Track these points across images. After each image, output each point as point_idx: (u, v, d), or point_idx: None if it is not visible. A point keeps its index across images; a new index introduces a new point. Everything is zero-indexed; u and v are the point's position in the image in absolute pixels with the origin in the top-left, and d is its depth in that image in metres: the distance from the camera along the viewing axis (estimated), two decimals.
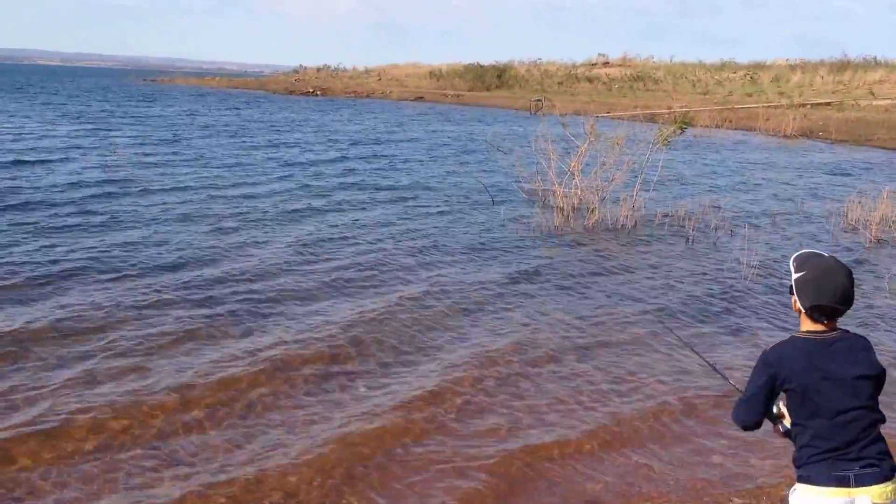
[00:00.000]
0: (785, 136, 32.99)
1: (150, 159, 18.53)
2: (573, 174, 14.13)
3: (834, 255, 2.89)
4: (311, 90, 60.99)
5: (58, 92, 50.94)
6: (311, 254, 10.37)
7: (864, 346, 2.94)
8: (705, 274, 10.40)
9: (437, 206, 14.46)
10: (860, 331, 7.93)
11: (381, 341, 7.21)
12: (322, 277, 9.22)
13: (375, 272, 9.62)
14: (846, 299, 2.86)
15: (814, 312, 2.88)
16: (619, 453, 5.39)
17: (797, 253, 3.01)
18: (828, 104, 40.88)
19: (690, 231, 12.70)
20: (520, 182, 15.42)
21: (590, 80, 58.02)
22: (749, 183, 19.22)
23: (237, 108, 40.20)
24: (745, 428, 3.07)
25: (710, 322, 8.38)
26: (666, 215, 13.76)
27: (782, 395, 2.95)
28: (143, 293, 8.17)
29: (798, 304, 2.93)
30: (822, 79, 49.44)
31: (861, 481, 2.78)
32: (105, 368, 6.24)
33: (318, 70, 77.58)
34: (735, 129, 36.01)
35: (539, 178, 14.81)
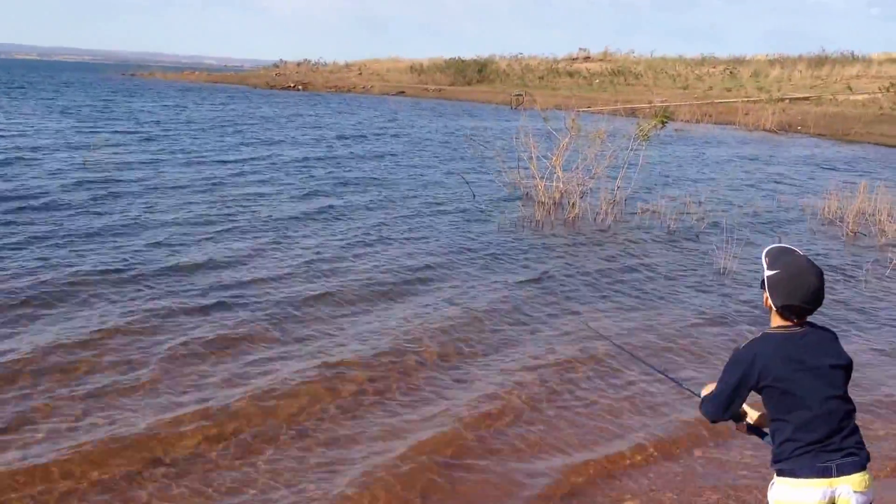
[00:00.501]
0: (764, 131, 33.27)
1: (146, 157, 18.13)
2: (554, 168, 14.17)
3: (806, 251, 2.94)
4: (291, 85, 60.64)
5: (37, 86, 50.04)
6: (301, 256, 10.32)
7: (832, 337, 2.99)
8: (685, 267, 10.48)
9: (418, 201, 14.43)
10: (837, 324, 8.11)
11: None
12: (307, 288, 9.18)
13: (361, 269, 9.59)
14: (817, 299, 2.90)
15: (785, 311, 2.92)
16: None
17: (769, 247, 3.02)
18: (806, 99, 41.22)
19: (671, 224, 12.78)
20: (501, 176, 15.44)
21: (570, 74, 58.09)
22: (729, 177, 19.34)
23: (224, 104, 39.70)
24: (714, 421, 3.11)
25: (690, 314, 8.43)
26: (647, 209, 13.85)
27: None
28: (139, 296, 8.10)
29: (769, 301, 2.95)
30: (800, 73, 49.83)
31: (842, 471, 2.82)
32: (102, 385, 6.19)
33: (299, 64, 77.02)
34: (715, 123, 36.24)
35: (520, 172, 14.84)
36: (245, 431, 5.28)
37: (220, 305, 7.80)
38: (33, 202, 12.10)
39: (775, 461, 2.94)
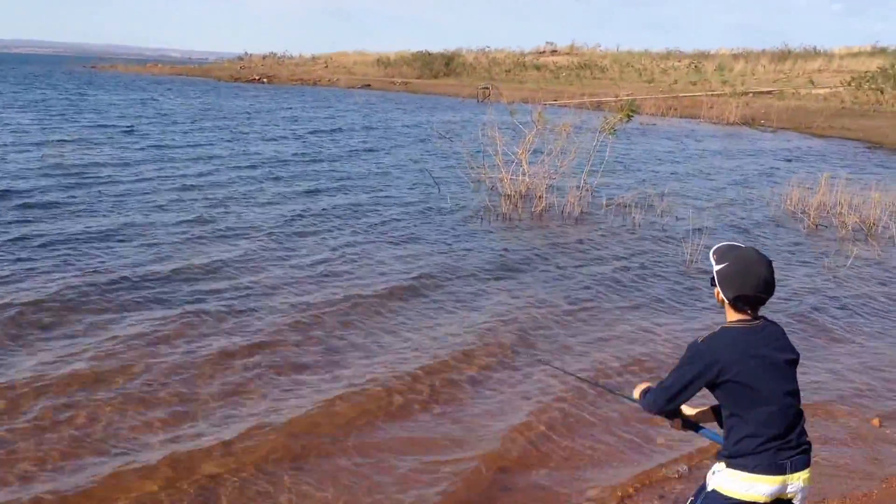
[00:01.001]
0: (728, 124, 33.61)
1: (123, 153, 17.69)
2: (521, 162, 14.15)
3: (768, 243, 2.95)
4: (256, 77, 60.03)
5: (5, 79, 48.58)
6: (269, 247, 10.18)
7: (784, 331, 3.01)
8: (650, 259, 10.51)
9: (385, 194, 14.33)
10: (799, 315, 8.18)
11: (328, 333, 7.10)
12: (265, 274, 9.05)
13: (325, 263, 9.47)
14: (768, 288, 2.91)
15: (738, 302, 2.91)
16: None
17: (716, 246, 3.02)
18: (769, 92, 41.78)
19: (637, 217, 12.82)
20: (468, 170, 15.38)
21: (537, 67, 58.28)
22: (694, 170, 19.51)
23: (196, 97, 38.94)
24: (655, 413, 3.08)
25: (653, 306, 8.46)
26: (612, 202, 13.88)
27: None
28: (98, 280, 7.91)
29: (721, 296, 2.94)
30: (763, 68, 50.53)
31: (796, 467, 2.84)
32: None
33: (264, 57, 76.34)
34: (680, 116, 36.56)
35: (487, 165, 14.79)
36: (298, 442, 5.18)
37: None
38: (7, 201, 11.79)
39: (729, 456, 2.88)
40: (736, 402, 2.88)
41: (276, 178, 15.38)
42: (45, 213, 11.13)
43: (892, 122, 30.76)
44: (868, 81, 38.36)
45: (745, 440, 2.85)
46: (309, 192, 14.06)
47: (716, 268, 2.94)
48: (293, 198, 13.49)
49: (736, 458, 2.86)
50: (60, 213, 11.27)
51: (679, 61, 56.28)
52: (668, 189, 15.22)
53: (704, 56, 57.66)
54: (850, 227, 12.58)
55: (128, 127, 23.15)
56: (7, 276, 8.07)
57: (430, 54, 62.86)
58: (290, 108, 34.16)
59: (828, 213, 13.51)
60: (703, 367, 2.88)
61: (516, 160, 14.18)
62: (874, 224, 12.70)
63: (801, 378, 6.25)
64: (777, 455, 2.83)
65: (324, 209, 12.64)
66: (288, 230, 11.01)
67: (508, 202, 13.42)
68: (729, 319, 2.96)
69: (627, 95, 38.05)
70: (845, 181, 14.01)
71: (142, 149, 18.58)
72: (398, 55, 65.87)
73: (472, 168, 15.04)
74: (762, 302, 2.93)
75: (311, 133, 24.32)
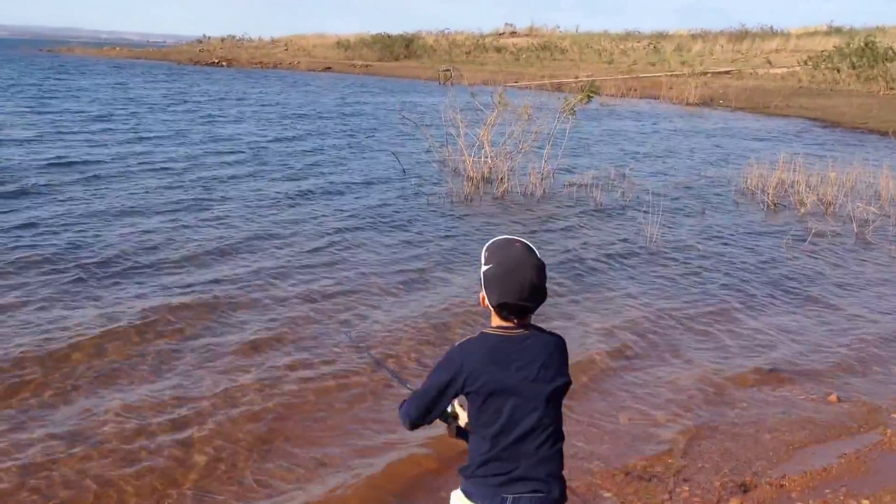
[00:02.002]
0: (687, 104, 33.87)
1: (100, 137, 17.23)
2: (483, 144, 14.07)
3: (526, 243, 2.56)
4: (216, 61, 59.01)
5: None
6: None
7: (557, 345, 2.61)
8: (612, 238, 10.53)
9: (347, 176, 14.16)
10: (762, 294, 8.25)
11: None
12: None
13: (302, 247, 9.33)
14: (535, 295, 2.51)
15: (501, 310, 2.54)
16: None
17: (491, 240, 2.64)
18: (727, 73, 42.19)
19: (598, 198, 12.84)
20: (430, 152, 15.28)
21: (498, 49, 58.18)
22: (654, 150, 19.61)
23: (164, 82, 37.94)
24: (412, 426, 2.68)
25: (612, 286, 8.47)
26: (573, 183, 13.89)
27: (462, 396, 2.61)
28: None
29: (486, 301, 2.57)
30: (721, 48, 51.01)
31: None
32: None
33: (223, 40, 75.17)
34: (640, 97, 36.74)
35: (449, 148, 14.69)
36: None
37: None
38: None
39: (464, 476, 2.59)
40: (477, 418, 2.55)
41: (241, 163, 15.09)
42: (30, 202, 10.81)
43: (848, 100, 31.25)
44: (825, 61, 38.91)
45: (477, 463, 2.54)
46: (279, 178, 13.80)
47: (482, 268, 2.56)
48: (268, 183, 13.23)
49: (467, 480, 2.58)
50: (45, 200, 10.98)
51: (638, 42, 56.60)
52: (628, 169, 15.26)
53: (663, 37, 58.08)
54: (808, 206, 12.73)
55: (104, 114, 22.40)
56: None
57: (389, 37, 62.40)
58: (263, 93, 33.39)
59: (786, 191, 13.66)
60: (453, 374, 2.53)
61: (478, 142, 14.10)
62: (831, 202, 12.86)
63: (765, 352, 6.36)
64: (500, 488, 2.49)
65: (291, 192, 12.44)
66: (264, 215, 10.82)
67: (471, 184, 13.35)
68: (493, 324, 2.60)
69: (588, 76, 38.16)
70: (803, 160, 14.17)
71: (123, 134, 18.08)
72: (358, 38, 65.30)
73: (435, 150, 14.94)
74: (529, 310, 2.55)
75: (283, 117, 23.94)
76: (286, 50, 67.60)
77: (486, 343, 2.55)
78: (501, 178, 13.37)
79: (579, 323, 7.31)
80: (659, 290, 8.42)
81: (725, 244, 10.64)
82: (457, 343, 2.62)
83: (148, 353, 6.15)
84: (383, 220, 11.01)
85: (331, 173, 14.47)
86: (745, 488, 4.64)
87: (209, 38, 77.38)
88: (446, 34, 66.43)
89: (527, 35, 63.99)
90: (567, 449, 4.85)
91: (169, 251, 8.85)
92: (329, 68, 54.86)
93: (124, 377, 5.74)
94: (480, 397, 2.51)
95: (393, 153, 15.93)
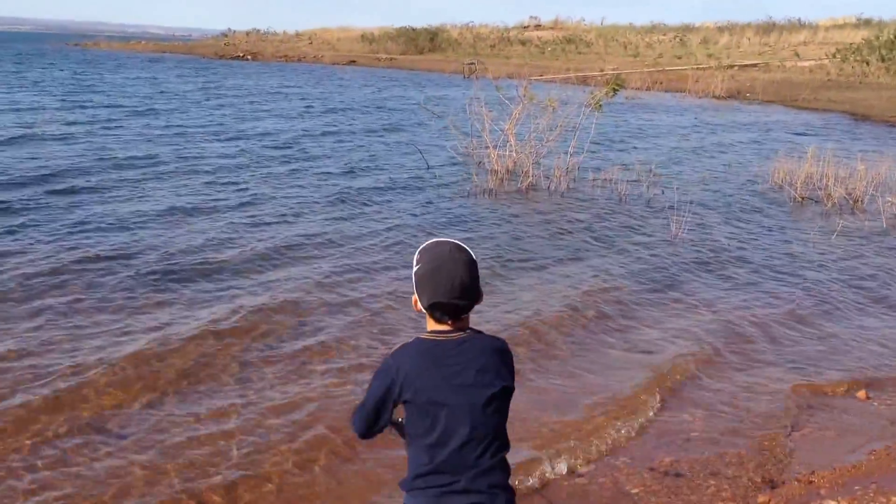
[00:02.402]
0: (714, 98, 33.56)
1: (145, 133, 17.26)
2: (507, 137, 14.05)
3: (457, 241, 2.50)
4: (241, 55, 59.30)
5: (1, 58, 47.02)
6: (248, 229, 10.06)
7: (497, 349, 2.49)
8: (636, 234, 10.49)
9: (375, 171, 14.20)
10: (786, 288, 8.18)
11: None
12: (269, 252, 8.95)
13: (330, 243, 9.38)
14: (466, 293, 2.41)
15: (434, 311, 2.43)
16: None
17: (424, 244, 2.54)
18: (754, 65, 41.71)
19: (623, 191, 12.78)
20: (455, 146, 15.28)
21: (522, 42, 57.92)
22: (680, 143, 19.47)
23: (194, 76, 37.90)
24: (361, 436, 2.59)
25: (639, 281, 8.43)
26: (599, 177, 13.83)
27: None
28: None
29: (418, 304, 2.47)
30: (748, 41, 50.40)
31: None
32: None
33: (248, 34, 75.47)
34: (665, 90, 36.46)
35: (474, 141, 14.69)
36: None
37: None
38: (59, 183, 11.48)
39: (405, 490, 2.46)
40: (414, 427, 2.43)
41: (274, 159, 15.18)
42: (81, 200, 10.69)
43: (877, 93, 30.79)
44: (853, 53, 38.34)
45: (416, 475, 2.42)
46: (311, 176, 13.86)
47: (413, 269, 2.46)
48: (301, 181, 13.28)
49: (408, 493, 2.45)
50: (97, 199, 10.83)
51: (664, 35, 56.08)
52: (654, 163, 15.17)
53: (689, 29, 57.49)
54: (836, 200, 12.58)
55: (143, 108, 22.45)
56: (31, 258, 7.94)
57: (414, 30, 62.33)
58: (291, 88, 33.32)
59: (814, 185, 13.51)
60: (389, 382, 2.43)
61: (503, 136, 14.08)
62: (860, 197, 12.71)
63: (789, 349, 6.29)
64: (440, 500, 2.37)
65: (313, 186, 12.51)
66: (287, 207, 10.89)
67: (496, 178, 13.34)
68: (428, 329, 2.49)
69: (613, 70, 37.91)
70: (832, 153, 14.00)
71: (166, 130, 18.06)
72: (382, 31, 65.29)
73: (460, 144, 14.94)
74: (462, 309, 2.43)
75: (311, 111, 24.03)
76: (310, 43, 67.78)
77: (420, 348, 2.44)
78: (526, 173, 13.35)
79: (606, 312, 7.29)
80: (681, 286, 8.38)
81: (752, 239, 10.55)
82: (392, 350, 2.51)
83: (231, 355, 6.02)
84: (408, 216, 11.03)
85: (357, 168, 14.50)
86: (773, 484, 4.62)
87: (234, 31, 77.71)
88: (471, 27, 66.21)
89: (552, 28, 63.63)
90: (585, 444, 4.89)
91: (228, 252, 8.66)
92: (353, 62, 54.94)
93: (211, 380, 5.63)
94: (415, 405, 2.39)
95: (417, 147, 15.95)
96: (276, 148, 16.38)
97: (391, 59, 55.32)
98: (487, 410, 2.40)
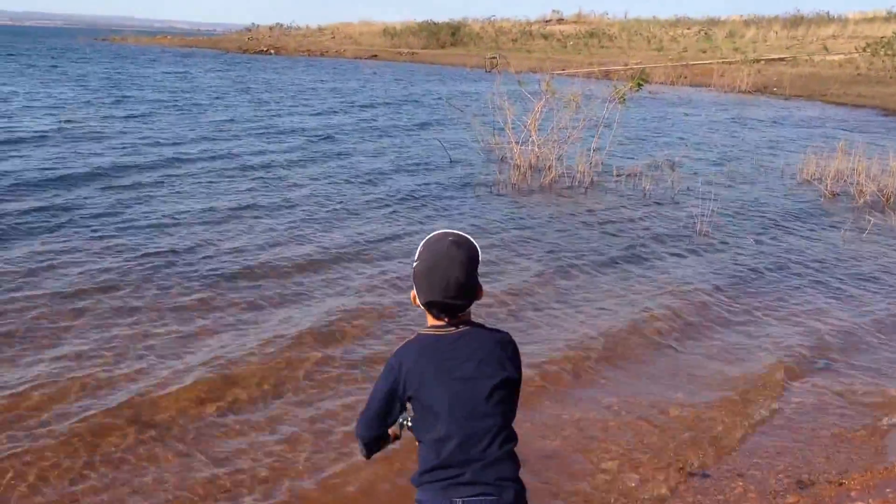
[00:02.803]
0: (740, 92, 33.17)
1: (192, 129, 17.29)
2: (530, 132, 13.94)
3: (459, 233, 2.45)
4: (264, 49, 59.53)
5: (30, 53, 47.28)
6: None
7: (499, 341, 2.47)
8: (662, 230, 10.35)
9: (397, 165, 14.16)
10: (816, 286, 8.03)
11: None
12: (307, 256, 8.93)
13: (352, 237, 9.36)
14: (461, 293, 2.38)
15: (430, 308, 2.42)
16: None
17: (428, 235, 2.51)
18: (782, 60, 41.18)
19: (647, 187, 12.63)
20: (477, 140, 15.20)
21: (544, 36, 57.65)
22: (705, 139, 19.25)
23: (225, 70, 37.96)
24: (366, 445, 2.55)
25: (665, 275, 8.32)
26: (622, 172, 13.69)
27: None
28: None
29: (416, 299, 2.45)
30: (776, 34, 49.81)
31: None
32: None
33: (271, 28, 75.83)
34: (690, 85, 36.10)
35: (496, 136, 14.59)
36: None
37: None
38: (120, 179, 11.56)
39: (414, 483, 2.44)
40: (419, 424, 2.43)
41: (294, 150, 15.20)
42: (123, 196, 10.61)
43: None
44: (884, 48, 37.72)
45: (424, 470, 2.39)
46: (336, 167, 13.88)
47: (413, 264, 2.46)
48: (331, 173, 13.31)
49: (418, 489, 2.42)
50: (151, 197, 10.70)
51: (688, 29, 55.57)
52: (678, 158, 14.99)
53: (714, 23, 56.90)
54: (867, 196, 12.35)
55: (184, 103, 22.51)
56: (81, 257, 7.89)
57: (436, 24, 62.25)
58: (330, 83, 33.27)
59: (844, 181, 13.27)
60: (392, 382, 2.42)
61: (526, 130, 13.97)
62: (892, 193, 12.46)
63: (817, 342, 6.12)
64: (447, 492, 2.34)
65: (339, 179, 12.49)
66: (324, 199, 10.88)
67: (518, 173, 13.24)
68: (428, 324, 2.48)
69: (636, 64, 37.60)
70: (862, 148, 13.75)
71: (207, 125, 18.12)
72: (404, 25, 65.28)
73: (482, 139, 14.86)
74: (458, 308, 2.41)
75: (348, 106, 24.06)
76: (333, 38, 67.94)
77: (421, 344, 2.43)
78: (549, 167, 13.24)
79: (630, 306, 7.20)
80: (707, 282, 8.25)
81: (783, 234, 10.38)
82: (395, 349, 2.48)
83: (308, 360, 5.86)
84: (431, 210, 10.97)
85: (382, 161, 14.46)
86: (802, 485, 4.52)
87: (258, 26, 78.11)
88: (493, 21, 66.03)
89: (574, 22, 63.29)
90: (619, 445, 4.81)
91: (290, 252, 8.53)
92: (375, 56, 54.96)
93: (288, 386, 5.49)
94: (420, 401, 2.39)
95: (440, 141, 15.88)
96: (311, 143, 16.33)
97: (413, 53, 55.28)
98: (490, 402, 2.37)
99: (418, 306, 2.46)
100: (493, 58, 42.91)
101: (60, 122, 17.03)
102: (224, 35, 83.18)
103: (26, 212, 9.41)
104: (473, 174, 13.48)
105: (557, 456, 4.76)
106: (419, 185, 12.50)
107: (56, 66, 35.35)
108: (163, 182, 11.71)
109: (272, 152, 14.86)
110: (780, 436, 5.14)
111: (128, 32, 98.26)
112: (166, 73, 34.93)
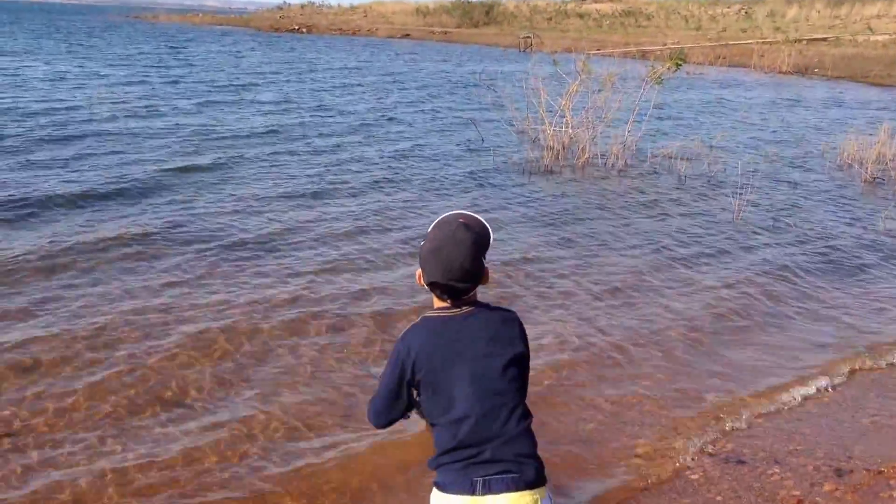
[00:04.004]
0: (780, 73, 32.53)
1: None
2: (564, 113, 13.80)
3: (469, 215, 2.43)
4: (296, 27, 59.68)
5: (67, 31, 47.56)
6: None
7: (505, 319, 2.47)
8: (697, 212, 10.23)
9: (429, 145, 14.13)
10: (854, 272, 7.89)
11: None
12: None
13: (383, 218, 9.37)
14: (465, 276, 2.37)
15: (434, 289, 2.43)
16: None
17: (440, 216, 2.52)
18: (824, 39, 40.31)
19: (682, 170, 12.47)
20: (510, 121, 15.09)
21: (580, 16, 57.04)
22: (743, 121, 18.93)
23: (274, 50, 37.93)
24: (380, 427, 2.58)
25: (700, 261, 8.22)
26: (658, 154, 13.52)
27: None
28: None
29: (421, 279, 2.46)
30: (818, 13, 48.75)
31: (490, 488, 2.30)
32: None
33: (303, 7, 75.94)
34: (729, 66, 35.45)
35: (529, 117, 14.48)
36: None
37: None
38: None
39: (432, 467, 2.44)
40: (433, 407, 2.40)
41: (331, 135, 15.24)
42: (196, 177, 10.64)
43: None
44: None
45: (441, 452, 2.38)
46: (354, 142, 13.91)
47: (421, 244, 2.46)
48: (375, 152, 13.35)
49: (437, 471, 2.41)
50: (214, 176, 10.77)
51: (728, 8, 54.59)
52: (715, 140, 14.77)
53: (755, 1, 55.78)
54: None
55: (243, 82, 22.59)
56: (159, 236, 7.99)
57: (469, 3, 61.87)
58: (374, 62, 33.06)
59: (886, 165, 12.98)
60: (401, 366, 2.42)
61: (559, 111, 13.84)
62: None
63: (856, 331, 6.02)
64: (466, 471, 2.32)
65: (368, 160, 12.50)
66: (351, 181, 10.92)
67: (551, 154, 13.13)
68: (434, 306, 2.48)
69: (674, 44, 37.03)
70: None
71: (267, 104, 18.18)
72: (437, 4, 64.97)
73: (516, 119, 14.75)
74: (462, 291, 2.40)
75: (397, 88, 24.06)
76: (365, 16, 67.86)
77: (427, 326, 2.43)
78: (583, 149, 13.11)
79: (665, 292, 7.13)
80: (743, 267, 8.14)
81: (820, 218, 10.20)
82: (401, 334, 2.48)
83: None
84: (463, 191, 10.94)
85: (413, 142, 14.44)
86: (839, 473, 4.45)
87: (289, 4, 78.34)
88: (527, 0, 65.40)
89: (610, 1, 62.44)
90: (650, 430, 4.78)
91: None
92: (408, 35, 54.76)
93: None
94: (430, 384, 2.38)
95: (472, 121, 15.80)
96: (361, 125, 16.28)
97: (445, 32, 54.98)
98: (504, 379, 2.37)
99: (423, 286, 2.46)
100: (528, 37, 42.53)
101: (117, 101, 17.13)
102: (256, 13, 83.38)
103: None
104: (506, 155, 13.39)
105: (592, 439, 4.74)
106: (448, 165, 12.45)
107: (94, 46, 35.31)
108: (234, 163, 11.74)
109: (332, 134, 14.92)
110: (819, 423, 5.07)
111: (159, 10, 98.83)
112: (215, 52, 34.84)
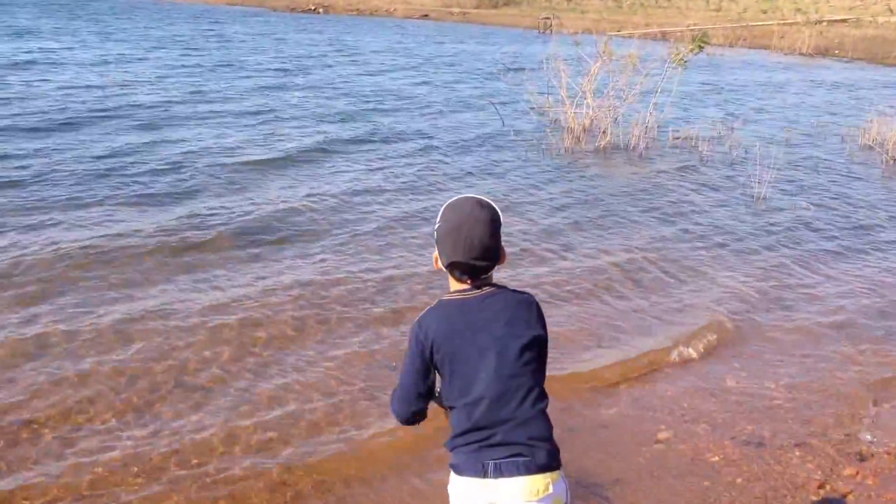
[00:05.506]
0: (801, 54, 32.17)
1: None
2: (585, 95, 13.75)
3: (481, 197, 2.43)
4: (313, 7, 59.33)
5: (91, 12, 46.61)
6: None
7: (522, 301, 2.44)
8: (718, 194, 10.21)
9: (449, 126, 14.11)
10: (876, 257, 7.87)
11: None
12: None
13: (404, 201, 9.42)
14: (485, 254, 2.36)
15: (453, 270, 2.40)
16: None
17: (450, 199, 2.50)
18: (845, 21, 39.75)
19: (704, 152, 12.42)
20: (531, 103, 15.05)
21: None
22: (763, 102, 18.78)
23: (314, 32, 37.09)
24: (405, 422, 2.52)
25: (721, 244, 8.22)
26: (679, 136, 13.46)
27: None
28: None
29: (438, 262, 2.44)
30: None
31: (502, 471, 2.29)
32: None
33: None
34: (749, 47, 35.08)
35: (549, 99, 14.42)
36: None
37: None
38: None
39: (448, 448, 2.43)
40: (450, 390, 2.39)
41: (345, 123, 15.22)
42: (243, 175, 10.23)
43: None
44: None
45: (456, 433, 2.38)
46: (373, 125, 13.91)
47: (435, 226, 2.43)
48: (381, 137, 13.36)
49: (451, 452, 2.41)
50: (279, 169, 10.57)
51: None
52: (736, 122, 14.66)
53: None
54: None
55: (290, 66, 22.20)
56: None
57: None
58: (405, 45, 32.50)
59: None
60: (420, 349, 2.40)
61: (580, 93, 13.78)
62: None
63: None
64: (479, 454, 2.32)
65: (386, 141, 12.52)
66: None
67: (572, 136, 13.10)
68: (451, 289, 2.46)
69: (694, 25, 36.65)
70: None
71: (321, 87, 18.06)
72: None
73: (536, 101, 14.71)
74: (482, 270, 2.40)
75: (426, 67, 23.98)
76: None
77: (444, 309, 2.41)
78: (604, 131, 13.07)
79: (685, 279, 7.16)
80: (766, 251, 8.14)
81: (842, 199, 10.15)
82: (417, 318, 2.46)
83: None
84: (483, 173, 10.95)
85: (433, 124, 14.42)
86: (860, 457, 4.49)
87: None
88: None
89: None
90: (674, 416, 4.82)
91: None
92: (426, 16, 54.42)
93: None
94: (447, 367, 2.37)
95: (492, 103, 15.76)
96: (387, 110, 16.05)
97: (464, 13, 54.59)
98: (520, 361, 2.36)
99: (440, 269, 2.45)
100: (547, 18, 42.18)
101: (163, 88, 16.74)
102: None
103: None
104: (526, 137, 13.38)
105: (613, 425, 4.80)
106: (469, 147, 12.46)
107: (125, 28, 34.09)
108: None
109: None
110: (839, 406, 5.10)
111: None
112: (252, 34, 34.09)
